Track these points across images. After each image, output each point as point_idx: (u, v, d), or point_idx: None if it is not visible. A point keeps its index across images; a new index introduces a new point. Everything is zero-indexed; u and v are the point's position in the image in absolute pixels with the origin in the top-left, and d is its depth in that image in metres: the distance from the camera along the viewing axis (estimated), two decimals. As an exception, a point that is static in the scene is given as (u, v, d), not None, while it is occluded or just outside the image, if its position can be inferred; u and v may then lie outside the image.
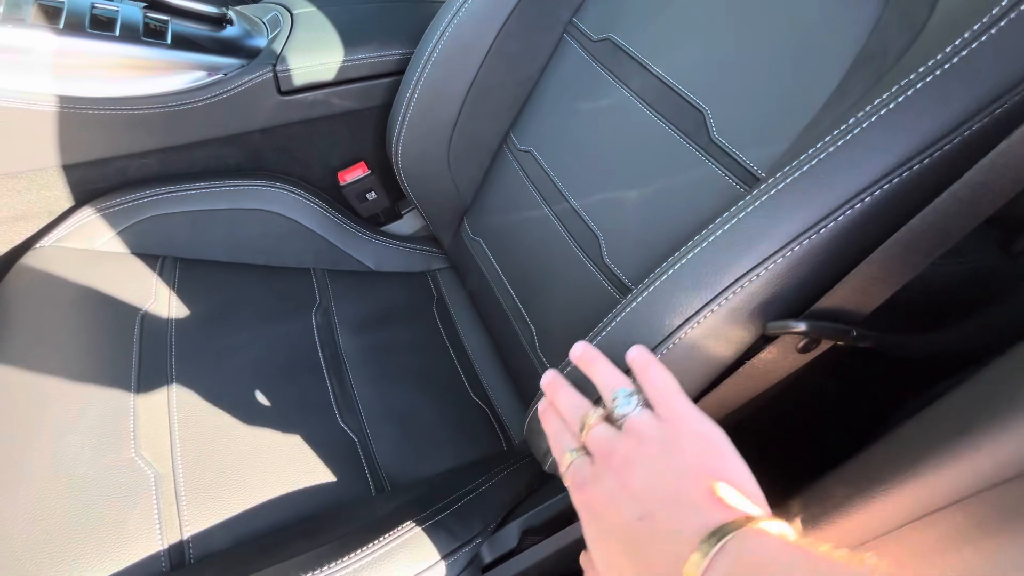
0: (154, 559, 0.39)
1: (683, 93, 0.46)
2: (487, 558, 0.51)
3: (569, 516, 0.50)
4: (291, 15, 0.68)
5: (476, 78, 0.60)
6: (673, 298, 0.33)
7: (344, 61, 0.64)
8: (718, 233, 0.33)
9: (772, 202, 0.31)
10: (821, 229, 0.30)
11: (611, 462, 0.29)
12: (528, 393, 0.61)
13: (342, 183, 0.71)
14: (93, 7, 0.54)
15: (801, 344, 0.30)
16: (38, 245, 0.55)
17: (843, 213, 0.29)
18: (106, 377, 0.47)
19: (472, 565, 0.48)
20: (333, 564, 0.39)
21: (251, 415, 0.51)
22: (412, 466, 0.54)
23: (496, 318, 0.66)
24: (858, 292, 0.28)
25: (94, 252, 0.56)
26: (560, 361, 0.43)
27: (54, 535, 0.38)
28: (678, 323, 0.33)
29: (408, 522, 0.43)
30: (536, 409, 0.45)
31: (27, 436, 0.42)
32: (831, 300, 0.29)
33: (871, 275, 0.27)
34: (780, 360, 0.31)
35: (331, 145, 0.70)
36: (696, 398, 0.37)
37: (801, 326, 0.27)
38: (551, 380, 0.38)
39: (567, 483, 0.33)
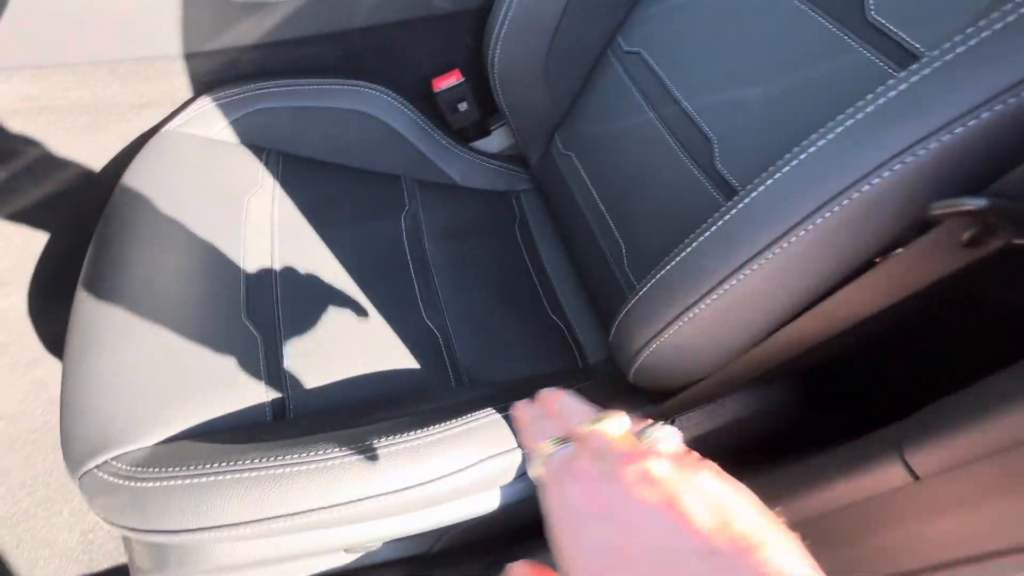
0: (260, 409, 0.43)
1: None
2: (558, 462, 0.52)
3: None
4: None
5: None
6: (809, 181, 0.30)
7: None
8: (869, 109, 0.29)
9: (948, 67, 0.26)
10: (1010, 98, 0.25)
11: (629, 463, 0.23)
12: (608, 311, 0.59)
13: (436, 90, 0.70)
14: None
15: (968, 235, 0.26)
16: (163, 129, 0.59)
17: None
18: (219, 250, 0.51)
19: (544, 464, 0.49)
20: (412, 433, 0.40)
21: (345, 300, 0.53)
22: (490, 368, 0.55)
23: (580, 237, 0.64)
24: None
25: (209, 139, 0.60)
26: (646, 276, 0.41)
27: (179, 378, 0.42)
28: (811, 209, 0.30)
29: (487, 409, 0.44)
30: (616, 325, 0.43)
31: (155, 295, 0.47)
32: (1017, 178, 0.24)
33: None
34: (935, 256, 0.27)
35: (428, 50, 0.69)
36: (808, 306, 0.34)
37: (980, 202, 0.23)
38: (555, 391, 0.36)
39: (543, 473, 0.27)
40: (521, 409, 0.37)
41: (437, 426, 0.41)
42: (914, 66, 0.28)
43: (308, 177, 0.62)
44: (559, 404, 0.34)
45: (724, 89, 0.46)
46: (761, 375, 0.39)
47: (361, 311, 0.52)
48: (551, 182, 0.71)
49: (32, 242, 0.67)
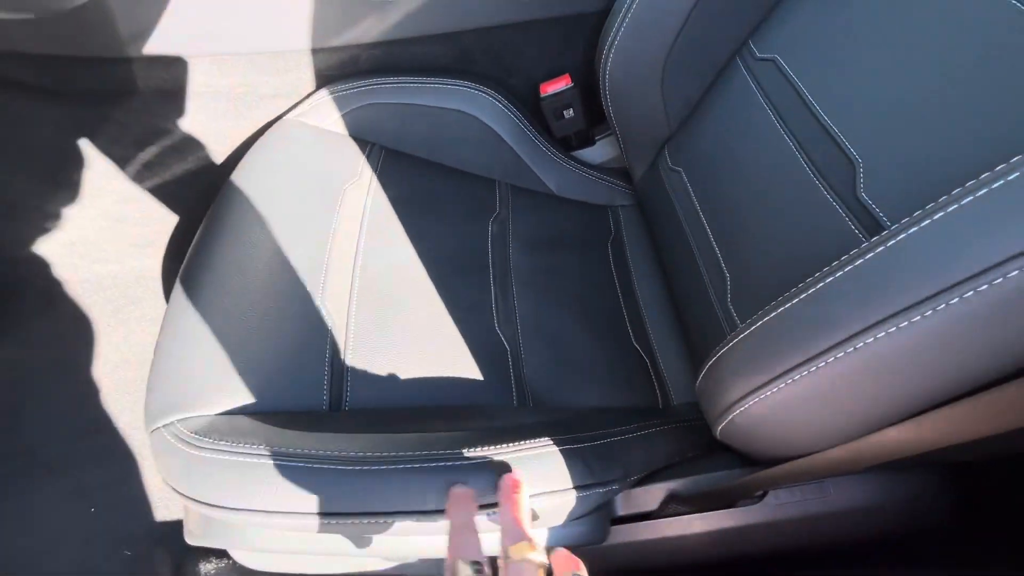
0: (317, 397, 0.43)
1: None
2: (620, 510, 0.46)
3: (733, 498, 0.41)
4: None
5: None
6: (989, 226, 0.22)
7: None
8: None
9: None
10: None
11: None
12: (702, 350, 0.52)
13: (543, 94, 0.68)
14: None
15: None
16: (285, 118, 0.63)
17: None
18: (310, 235, 0.52)
19: (602, 509, 0.43)
20: (468, 450, 0.37)
21: (418, 298, 0.52)
22: (558, 391, 0.51)
23: (679, 263, 0.58)
24: None
25: (322, 129, 0.63)
26: (752, 314, 0.34)
27: (249, 355, 0.43)
28: (986, 264, 0.22)
29: (546, 439, 0.40)
30: (707, 368, 0.37)
31: (244, 272, 0.48)
32: None
33: None
34: None
35: (539, 53, 0.67)
36: (959, 395, 0.25)
37: None
38: (518, 481, 0.32)
39: None
40: (456, 505, 0.32)
41: (491, 448, 0.37)
42: None
43: (405, 172, 0.62)
44: (503, 511, 0.32)
45: (878, 106, 0.37)
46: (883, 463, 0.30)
47: (433, 311, 0.51)
48: (654, 200, 0.65)
49: (172, 212, 0.76)
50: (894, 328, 0.26)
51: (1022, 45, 0.30)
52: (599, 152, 0.74)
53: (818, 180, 0.40)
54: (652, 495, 0.44)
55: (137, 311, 0.76)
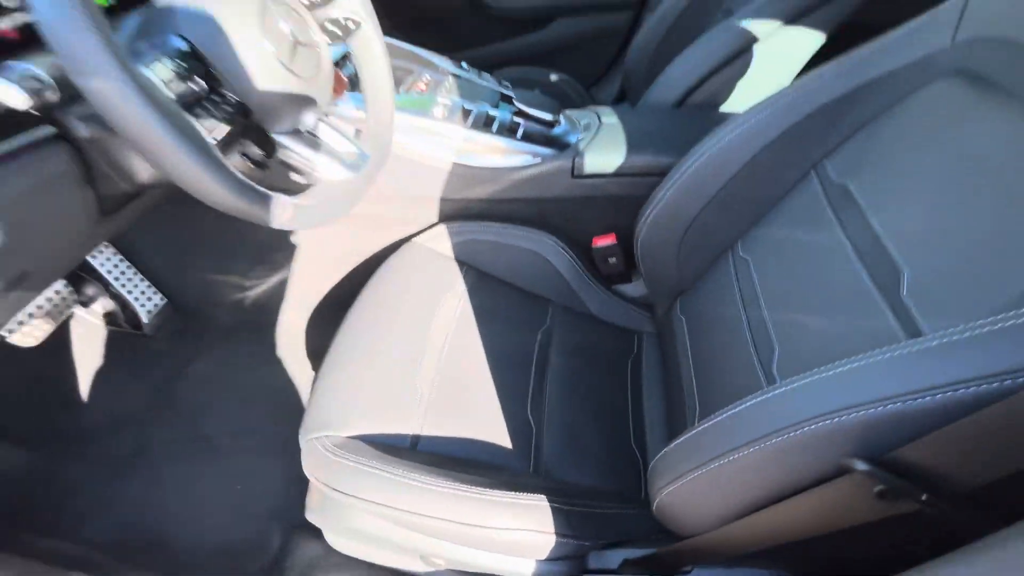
0: (404, 439, 0.66)
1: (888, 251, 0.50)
2: (591, 565, 0.63)
3: (670, 566, 0.58)
4: (600, 122, 0.94)
5: (719, 192, 0.73)
6: (810, 395, 0.41)
7: (623, 161, 0.85)
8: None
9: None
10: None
11: None
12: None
13: (594, 245, 0.93)
14: (487, 114, 0.88)
15: (878, 490, 0.34)
16: (413, 240, 0.92)
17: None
18: (417, 325, 0.78)
19: (576, 560, 0.61)
20: (495, 492, 0.58)
21: (479, 380, 0.75)
22: (564, 466, 0.70)
23: (674, 387, 0.77)
24: (948, 452, 0.31)
25: (435, 252, 0.91)
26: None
27: (368, 400, 0.68)
28: (798, 420, 0.40)
29: (544, 496, 0.60)
30: (661, 453, 0.55)
31: (375, 346, 0.75)
32: (919, 452, 0.33)
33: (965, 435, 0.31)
34: (850, 499, 0.36)
35: (595, 217, 0.92)
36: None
37: (863, 466, 0.33)
38: None
39: None
40: None
41: (500, 493, 0.58)
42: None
43: (487, 289, 0.88)
44: None
45: (791, 309, 0.57)
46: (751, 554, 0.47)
47: (486, 392, 0.74)
48: (666, 334, 0.85)
49: (321, 292, 1.07)
50: (748, 451, 0.44)
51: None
52: (633, 288, 0.96)
53: (753, 354, 0.59)
54: (615, 556, 0.61)
55: (288, 353, 1.07)
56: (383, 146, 0.68)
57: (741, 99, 1.01)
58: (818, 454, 0.38)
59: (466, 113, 0.89)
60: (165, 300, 1.08)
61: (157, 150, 0.40)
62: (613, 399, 0.82)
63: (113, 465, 0.89)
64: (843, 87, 0.62)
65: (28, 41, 0.54)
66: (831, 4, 0.93)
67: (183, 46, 0.46)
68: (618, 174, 0.87)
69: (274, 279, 1.07)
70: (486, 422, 0.71)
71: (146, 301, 1.05)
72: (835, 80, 0.62)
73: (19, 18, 0.53)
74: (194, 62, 0.46)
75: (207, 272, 1.06)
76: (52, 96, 0.44)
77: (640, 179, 0.87)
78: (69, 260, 0.65)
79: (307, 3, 0.59)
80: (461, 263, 0.90)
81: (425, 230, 0.94)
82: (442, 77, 0.96)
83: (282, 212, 0.49)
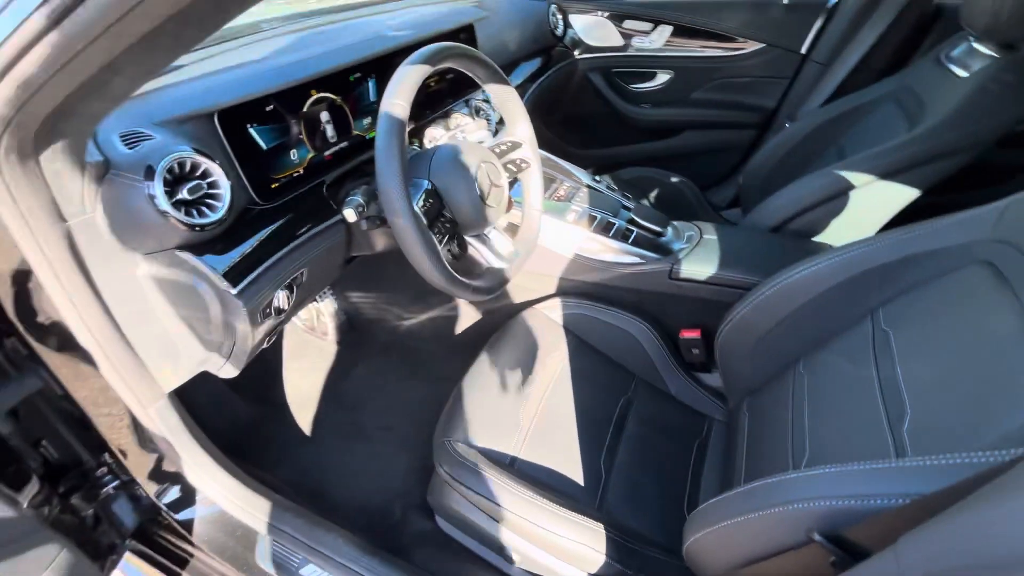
0: (505, 457, 0.89)
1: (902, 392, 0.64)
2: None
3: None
4: (701, 236, 1.14)
5: (787, 317, 0.89)
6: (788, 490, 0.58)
7: (713, 272, 1.04)
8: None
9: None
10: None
11: None
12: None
13: (681, 336, 1.11)
14: (608, 221, 1.14)
15: (832, 559, 0.50)
16: (534, 307, 1.18)
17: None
18: (524, 376, 1.02)
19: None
20: (561, 509, 0.79)
21: (568, 425, 0.96)
22: (623, 512, 0.88)
23: (728, 468, 0.91)
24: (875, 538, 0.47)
25: (550, 318, 1.16)
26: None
27: (483, 422, 0.93)
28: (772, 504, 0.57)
29: (602, 525, 0.78)
30: (694, 539, 0.71)
31: (484, 388, 1.01)
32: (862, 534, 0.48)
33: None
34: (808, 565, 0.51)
35: (685, 312, 1.11)
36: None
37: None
38: None
39: None
40: None
41: (579, 515, 0.78)
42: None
43: (583, 354, 1.10)
44: None
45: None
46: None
47: (571, 436, 0.95)
48: (731, 426, 0.99)
49: (463, 327, 1.38)
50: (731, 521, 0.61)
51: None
52: (712, 379, 1.12)
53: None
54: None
55: (425, 373, 1.38)
56: (530, 246, 0.96)
57: (832, 235, 1.15)
58: (797, 524, 0.54)
59: (591, 219, 1.15)
60: (345, 317, 1.46)
61: (413, 252, 0.71)
62: (675, 469, 0.98)
63: (298, 430, 1.24)
64: (899, 253, 0.76)
65: (338, 162, 0.92)
66: (925, 167, 1.04)
67: (430, 187, 0.78)
68: (708, 282, 1.06)
69: (424, 316, 1.40)
70: (567, 460, 0.92)
71: (334, 317, 1.44)
72: (893, 246, 0.77)
73: (334, 148, 0.91)
74: (435, 196, 0.78)
75: (380, 303, 1.42)
76: (362, 212, 0.78)
77: (727, 289, 1.05)
78: (322, 287, 1.01)
79: (498, 152, 0.90)
80: (568, 330, 1.14)
81: (544, 299, 1.20)
82: (577, 186, 1.24)
83: (465, 290, 0.78)
